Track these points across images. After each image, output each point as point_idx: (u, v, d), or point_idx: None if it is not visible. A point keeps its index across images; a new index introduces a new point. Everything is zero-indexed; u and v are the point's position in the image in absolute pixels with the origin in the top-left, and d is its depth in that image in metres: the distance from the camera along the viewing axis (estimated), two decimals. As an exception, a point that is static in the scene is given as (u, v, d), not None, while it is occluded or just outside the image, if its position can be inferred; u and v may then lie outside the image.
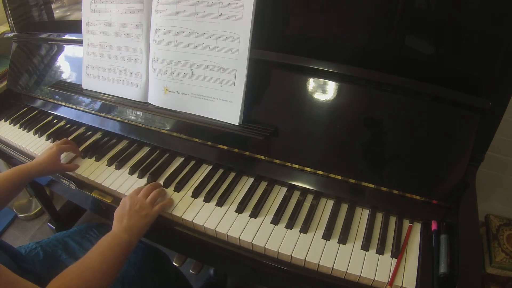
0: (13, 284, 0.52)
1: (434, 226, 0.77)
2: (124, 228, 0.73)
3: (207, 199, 0.86)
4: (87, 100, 1.11)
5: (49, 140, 1.12)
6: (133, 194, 0.82)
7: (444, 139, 0.76)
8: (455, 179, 0.76)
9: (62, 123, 1.20)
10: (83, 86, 1.10)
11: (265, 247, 0.75)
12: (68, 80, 1.16)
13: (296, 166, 0.86)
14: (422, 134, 0.77)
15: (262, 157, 0.88)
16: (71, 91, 1.11)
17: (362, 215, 0.82)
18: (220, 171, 0.94)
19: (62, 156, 0.99)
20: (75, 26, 1.10)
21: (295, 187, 0.88)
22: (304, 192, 0.87)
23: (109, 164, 0.99)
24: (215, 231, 0.79)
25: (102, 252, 0.67)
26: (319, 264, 0.72)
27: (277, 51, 0.83)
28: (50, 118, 1.24)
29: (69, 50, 1.17)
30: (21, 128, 1.20)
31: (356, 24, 0.84)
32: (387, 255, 0.73)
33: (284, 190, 0.88)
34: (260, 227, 0.79)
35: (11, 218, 1.82)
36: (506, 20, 0.70)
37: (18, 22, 1.30)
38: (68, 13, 1.24)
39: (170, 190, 0.89)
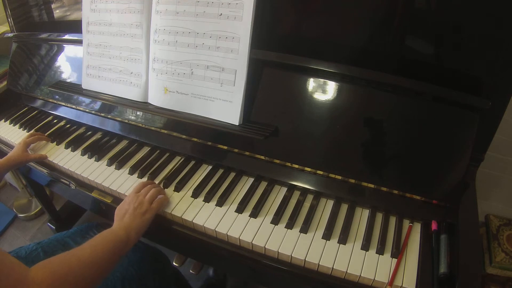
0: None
1: (434, 226, 0.77)
2: (123, 226, 0.74)
3: (207, 199, 0.86)
4: (87, 100, 1.11)
5: (49, 140, 1.12)
6: (133, 193, 0.83)
7: (444, 139, 0.76)
8: (455, 179, 0.76)
9: (62, 123, 1.20)
10: (83, 86, 1.10)
11: (265, 247, 0.75)
12: (68, 80, 1.16)
13: (296, 166, 0.86)
14: (422, 134, 0.77)
15: (262, 157, 0.88)
16: (71, 91, 1.11)
17: (362, 215, 0.82)
18: (220, 171, 0.94)
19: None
20: (75, 26, 1.10)
21: (295, 187, 0.88)
22: (304, 192, 0.87)
23: (109, 164, 0.99)
24: (215, 231, 0.79)
25: (94, 245, 0.66)
26: (319, 264, 0.72)
27: (277, 51, 0.83)
28: (50, 118, 1.24)
29: (69, 50, 1.17)
30: (21, 128, 1.20)
31: (356, 24, 0.84)
32: (387, 255, 0.73)
33: (284, 190, 0.88)
34: (260, 227, 0.79)
35: (11, 218, 1.83)
36: (506, 20, 0.70)
37: (18, 22, 1.30)
38: (68, 13, 1.24)
39: (170, 190, 0.89)
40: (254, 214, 0.81)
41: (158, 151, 1.02)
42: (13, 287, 0.48)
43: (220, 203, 0.84)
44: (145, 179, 0.93)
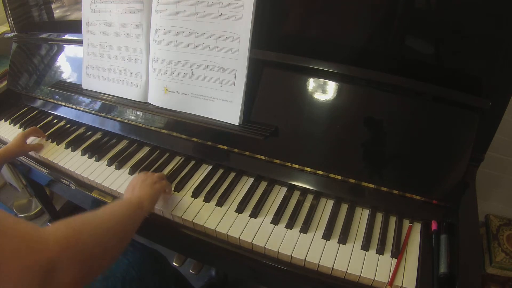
0: (12, 228, 0.45)
1: (434, 226, 0.77)
2: (135, 196, 0.73)
3: (207, 199, 0.86)
4: (87, 100, 1.11)
5: (49, 140, 1.12)
6: (140, 175, 0.82)
7: (444, 139, 0.76)
8: (455, 179, 0.76)
9: (62, 123, 1.20)
10: (83, 86, 1.10)
11: (265, 247, 0.75)
12: (68, 80, 1.16)
13: (296, 166, 0.86)
14: (422, 134, 0.77)
15: (262, 157, 0.88)
16: (71, 91, 1.11)
17: (362, 215, 0.82)
18: (220, 171, 0.94)
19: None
20: (75, 26, 1.10)
21: (295, 187, 0.88)
22: (304, 192, 0.87)
23: (109, 164, 0.98)
24: (215, 231, 0.79)
25: (111, 207, 0.64)
26: (319, 264, 0.72)
27: (277, 51, 0.83)
28: (50, 118, 1.24)
29: (69, 50, 1.17)
30: (21, 128, 1.20)
31: (356, 24, 0.84)
32: (387, 255, 0.73)
33: (284, 190, 0.88)
34: (260, 227, 0.79)
35: (11, 218, 1.82)
36: (506, 20, 0.70)
37: (18, 22, 1.30)
38: (68, 13, 1.24)
39: (170, 190, 0.89)
40: (254, 214, 0.82)
41: (158, 151, 1.02)
42: (31, 248, 0.44)
43: (220, 203, 0.85)
44: (145, 179, 0.93)
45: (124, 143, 1.07)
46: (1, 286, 0.41)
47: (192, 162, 0.98)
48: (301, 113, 0.84)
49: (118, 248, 0.60)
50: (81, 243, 0.50)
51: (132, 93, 1.01)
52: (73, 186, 0.97)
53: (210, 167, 0.96)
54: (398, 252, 0.73)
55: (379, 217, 0.81)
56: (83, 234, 0.51)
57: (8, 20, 1.31)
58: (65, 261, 0.46)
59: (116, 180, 0.94)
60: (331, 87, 0.82)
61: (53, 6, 1.25)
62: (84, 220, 0.55)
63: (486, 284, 1.23)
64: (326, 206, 0.84)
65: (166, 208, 0.84)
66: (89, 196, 0.95)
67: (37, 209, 1.84)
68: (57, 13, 1.26)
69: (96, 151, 1.03)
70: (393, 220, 0.81)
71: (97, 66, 1.06)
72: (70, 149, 1.06)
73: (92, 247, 0.52)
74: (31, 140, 1.11)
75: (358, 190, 0.83)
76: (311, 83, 0.83)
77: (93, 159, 1.01)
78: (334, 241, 0.76)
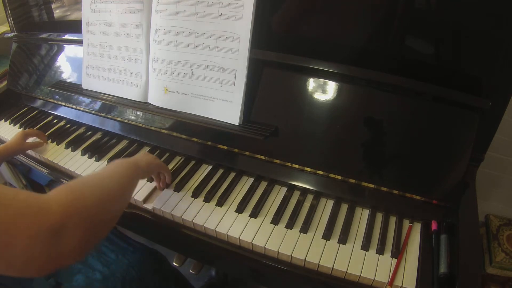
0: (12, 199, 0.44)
1: (434, 226, 0.77)
2: (133, 158, 0.74)
3: (207, 199, 0.86)
4: (87, 100, 1.11)
5: (49, 140, 1.12)
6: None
7: (444, 139, 0.76)
8: (455, 179, 0.76)
9: (62, 123, 1.20)
10: (83, 86, 1.10)
11: (265, 247, 0.75)
12: (68, 80, 1.16)
13: (296, 166, 0.86)
14: (422, 134, 0.77)
15: (262, 157, 0.88)
16: (71, 91, 1.11)
17: (362, 215, 0.82)
18: (220, 171, 0.94)
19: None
20: (75, 26, 1.10)
21: (295, 187, 0.88)
22: (304, 192, 0.87)
23: (109, 164, 0.98)
24: (215, 231, 0.79)
25: (109, 166, 0.64)
26: (319, 264, 0.72)
27: (277, 51, 0.83)
28: (50, 118, 1.24)
29: (69, 50, 1.17)
30: (21, 128, 1.20)
31: (356, 24, 0.84)
32: (387, 255, 0.73)
33: (284, 190, 0.88)
34: (260, 227, 0.79)
35: (11, 218, 1.82)
36: (506, 20, 0.70)
37: (18, 22, 1.30)
38: (68, 13, 1.24)
39: (170, 190, 0.89)
40: (254, 214, 0.82)
41: (158, 151, 1.02)
42: (35, 216, 0.44)
43: (220, 203, 0.84)
44: (144, 179, 0.93)
45: (124, 143, 1.07)
46: (10, 255, 0.42)
47: (192, 162, 0.98)
48: (301, 113, 0.84)
49: (118, 209, 0.59)
50: (84, 206, 0.49)
51: (132, 93, 1.01)
52: (73, 186, 0.97)
53: (210, 167, 0.96)
54: (398, 252, 0.73)
55: (379, 217, 0.81)
56: (86, 196, 0.51)
57: (8, 20, 1.30)
58: (70, 225, 0.46)
59: (116, 180, 0.93)
60: (331, 87, 0.82)
61: (53, 6, 1.25)
62: (85, 182, 0.55)
63: (486, 284, 1.23)
64: (326, 206, 0.84)
65: (167, 208, 0.84)
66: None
67: (37, 209, 1.84)
68: (57, 13, 1.26)
69: (96, 151, 1.03)
70: (393, 220, 0.81)
71: (97, 66, 1.06)
72: (70, 149, 1.06)
73: (95, 209, 0.51)
74: (31, 140, 1.11)
75: (358, 190, 0.83)
76: (311, 83, 0.83)
77: (93, 159, 1.01)
78: (334, 241, 0.76)
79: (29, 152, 1.09)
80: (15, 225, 0.42)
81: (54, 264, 0.45)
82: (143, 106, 0.99)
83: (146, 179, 0.93)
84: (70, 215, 0.46)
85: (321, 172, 0.84)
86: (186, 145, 0.97)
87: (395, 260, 0.72)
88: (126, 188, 0.64)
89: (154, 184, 0.91)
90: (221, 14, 0.84)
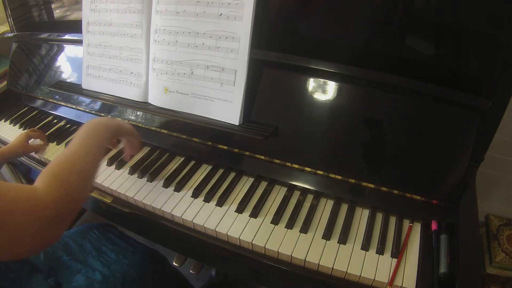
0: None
1: (434, 226, 0.77)
2: (98, 120, 0.75)
3: (207, 199, 0.86)
4: (87, 100, 1.11)
5: (49, 141, 1.12)
6: None
7: (444, 139, 0.76)
8: (455, 179, 0.76)
9: (62, 123, 1.20)
10: (83, 86, 1.10)
11: (265, 247, 0.75)
12: (68, 80, 1.16)
13: (296, 166, 0.86)
14: (422, 134, 0.77)
15: (262, 157, 0.88)
16: (71, 91, 1.11)
17: (362, 215, 0.82)
18: (220, 171, 0.94)
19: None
20: (75, 26, 1.10)
21: (295, 187, 0.88)
22: (304, 192, 0.87)
23: (109, 164, 0.98)
24: (215, 231, 0.79)
25: (78, 136, 0.68)
26: (319, 264, 0.72)
27: (277, 51, 0.83)
28: (50, 118, 1.24)
29: (69, 50, 1.17)
30: (21, 128, 1.20)
31: (356, 24, 0.84)
32: (387, 255, 0.73)
33: (284, 190, 0.88)
34: (260, 227, 0.79)
35: (11, 218, 1.82)
36: (506, 20, 0.70)
37: (18, 22, 1.30)
38: (68, 13, 1.24)
39: (170, 190, 0.89)
40: (254, 214, 0.82)
41: (158, 151, 1.02)
42: (29, 206, 0.51)
43: (220, 203, 0.84)
44: (144, 179, 0.93)
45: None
46: (21, 242, 0.50)
47: (192, 162, 0.98)
48: (301, 113, 0.84)
49: (95, 170, 0.66)
50: (71, 192, 0.57)
51: (132, 93, 1.01)
52: (73, 186, 0.97)
53: (210, 167, 0.96)
54: (398, 252, 0.73)
55: (379, 217, 0.81)
56: (71, 182, 0.57)
57: (8, 20, 1.30)
58: (63, 214, 0.55)
59: (116, 180, 0.94)
60: (331, 87, 0.82)
61: (53, 6, 1.25)
62: (65, 164, 0.60)
63: (486, 284, 1.23)
64: (326, 206, 0.84)
65: (167, 208, 0.84)
66: (89, 196, 0.95)
67: (37, 209, 1.84)
68: (57, 13, 1.26)
69: (96, 151, 1.03)
70: (393, 220, 0.81)
71: (97, 66, 1.06)
72: (70, 149, 1.06)
73: (77, 184, 0.58)
74: (32, 141, 1.11)
75: (358, 190, 0.83)
76: (311, 83, 0.83)
77: (93, 159, 1.01)
78: (334, 241, 0.76)
79: (29, 143, 1.09)
80: (22, 222, 0.49)
81: (47, 244, 0.56)
82: (143, 106, 0.99)
83: (146, 179, 0.93)
84: (62, 205, 0.54)
85: (321, 172, 0.84)
86: (186, 145, 0.97)
87: (395, 260, 0.72)
88: (101, 155, 0.69)
89: (154, 184, 0.91)
90: (221, 14, 0.84)
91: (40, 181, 0.55)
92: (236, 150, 0.91)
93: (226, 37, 0.84)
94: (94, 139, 0.69)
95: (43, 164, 1.06)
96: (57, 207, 0.53)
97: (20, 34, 1.28)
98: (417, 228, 0.79)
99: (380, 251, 0.74)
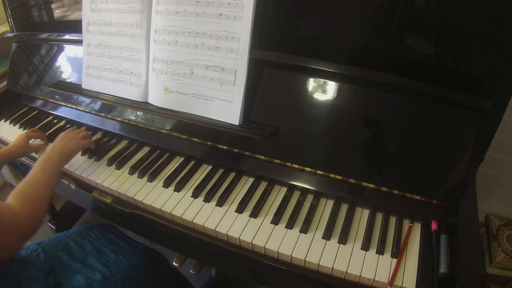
0: None
1: (434, 226, 0.77)
2: (56, 150, 0.89)
3: (207, 199, 0.86)
4: (87, 100, 1.11)
5: (49, 141, 1.12)
6: (65, 132, 0.98)
7: (444, 139, 0.76)
8: (455, 179, 0.76)
9: (62, 123, 1.20)
10: (83, 86, 1.10)
11: (265, 247, 0.75)
12: (68, 80, 1.16)
13: (296, 166, 0.86)
14: (422, 134, 0.77)
15: (262, 157, 0.88)
16: (71, 91, 1.11)
17: (362, 215, 0.82)
18: (220, 171, 0.94)
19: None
20: (75, 26, 1.10)
21: (295, 187, 0.88)
22: (304, 192, 0.87)
23: (109, 164, 0.99)
24: (215, 231, 0.79)
25: (40, 166, 0.82)
26: (319, 264, 0.72)
27: (277, 51, 0.83)
28: (50, 118, 1.24)
29: (69, 50, 1.17)
30: (21, 128, 1.20)
31: (356, 24, 0.84)
32: (387, 255, 0.73)
33: (284, 190, 0.88)
34: (260, 227, 0.79)
35: (11, 218, 1.82)
36: (506, 20, 0.70)
37: (18, 22, 1.30)
38: (68, 13, 1.24)
39: (170, 190, 0.89)
40: (254, 214, 0.82)
41: (158, 151, 1.02)
42: (12, 226, 0.66)
43: (220, 203, 0.85)
44: (144, 179, 0.93)
45: (124, 143, 1.07)
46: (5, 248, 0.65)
47: (192, 162, 0.98)
48: (301, 113, 0.84)
49: (51, 194, 0.81)
50: (35, 205, 0.73)
51: (132, 93, 1.01)
52: (73, 186, 0.97)
53: (210, 167, 0.96)
54: (398, 252, 0.73)
55: (379, 217, 0.81)
56: (35, 198, 0.74)
57: (8, 20, 1.30)
58: (31, 222, 0.71)
59: (116, 180, 0.94)
60: (331, 87, 0.82)
61: (53, 6, 1.25)
62: (32, 186, 0.76)
63: (486, 284, 1.23)
64: (326, 206, 0.84)
65: (167, 208, 0.84)
66: (89, 196, 0.95)
67: (37, 209, 1.84)
68: (57, 13, 1.26)
69: (96, 151, 1.03)
70: (393, 220, 0.81)
71: (97, 66, 1.06)
72: (70, 149, 1.06)
73: (40, 202, 0.75)
74: (32, 141, 1.10)
75: (358, 190, 0.83)
76: (311, 83, 0.83)
77: (93, 159, 1.01)
78: (334, 241, 0.76)
79: (29, 143, 1.09)
80: (8, 235, 0.65)
81: (9, 257, 0.69)
82: (143, 106, 0.99)
83: (146, 179, 0.93)
84: (31, 221, 0.70)
85: (321, 172, 0.84)
86: (186, 145, 0.97)
87: (395, 260, 0.72)
88: (54, 177, 0.84)
89: (154, 184, 0.91)
90: (221, 14, 0.84)
91: (14, 200, 0.70)
92: (236, 150, 0.91)
93: (226, 37, 0.84)
94: (52, 165, 0.84)
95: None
96: (28, 223, 0.69)
97: (20, 34, 1.28)
98: (417, 228, 0.79)
99: (380, 251, 0.74)
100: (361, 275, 0.69)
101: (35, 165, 0.83)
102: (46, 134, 1.14)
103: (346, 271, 0.70)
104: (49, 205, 0.85)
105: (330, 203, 0.85)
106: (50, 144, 0.94)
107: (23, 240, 0.69)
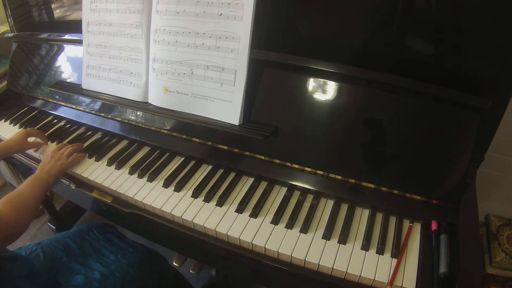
0: None
1: (434, 226, 0.77)
2: (45, 172, 0.92)
3: (207, 199, 0.86)
4: (87, 100, 1.11)
5: (49, 141, 1.12)
6: (55, 150, 0.99)
7: (444, 139, 0.76)
8: (455, 179, 0.76)
9: (62, 123, 1.20)
10: (83, 86, 1.10)
11: (265, 247, 0.75)
12: (68, 80, 1.16)
13: (296, 166, 0.86)
14: (422, 134, 0.77)
15: (262, 157, 0.88)
16: (71, 91, 1.11)
17: (362, 215, 0.82)
18: (220, 171, 0.94)
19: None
20: (75, 26, 1.10)
21: (295, 187, 0.88)
22: (304, 192, 0.87)
23: (109, 164, 0.99)
24: (215, 231, 0.79)
25: (29, 185, 0.87)
26: (319, 264, 0.72)
27: (277, 51, 0.83)
28: (50, 118, 1.24)
29: (69, 50, 1.17)
30: (21, 128, 1.20)
31: (356, 24, 0.84)
32: (387, 255, 0.73)
33: (284, 190, 0.88)
34: (260, 227, 0.79)
35: (11, 218, 1.82)
36: (506, 20, 0.70)
37: (18, 22, 1.30)
38: (68, 13, 1.24)
39: (170, 190, 0.89)
40: (254, 214, 0.82)
41: (158, 151, 1.02)
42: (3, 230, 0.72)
43: (220, 203, 0.85)
44: (144, 179, 0.93)
45: (124, 143, 1.07)
46: None
47: (192, 162, 0.98)
48: (301, 113, 0.84)
49: (36, 208, 0.86)
50: (21, 212, 0.79)
51: (132, 93, 1.01)
52: (73, 186, 0.97)
53: (210, 167, 0.96)
54: (398, 252, 0.73)
55: (379, 217, 0.81)
56: (20, 207, 0.80)
57: (8, 20, 1.30)
58: (15, 227, 0.77)
59: (116, 180, 0.94)
60: (331, 87, 0.82)
61: (53, 6, 1.25)
62: (16, 198, 0.81)
63: (486, 284, 1.23)
64: (326, 206, 0.84)
65: (167, 208, 0.84)
66: (89, 196, 0.95)
67: (37, 209, 1.84)
68: (57, 13, 1.26)
69: (96, 151, 1.03)
70: (393, 220, 0.81)
71: (97, 66, 1.06)
72: (70, 149, 1.06)
73: (25, 211, 0.81)
74: (32, 140, 1.10)
75: (358, 190, 0.83)
76: (311, 83, 0.83)
77: (93, 159, 1.01)
78: (334, 241, 0.76)
79: (29, 152, 1.09)
80: None
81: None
82: (143, 106, 0.99)
83: (146, 179, 0.93)
84: (15, 226, 0.76)
85: (321, 172, 0.84)
86: (186, 145, 0.97)
87: (395, 260, 0.72)
88: (41, 196, 0.89)
89: (154, 184, 0.91)
90: (221, 14, 0.84)
91: (1, 205, 0.76)
92: (236, 150, 0.91)
93: (226, 37, 0.84)
94: (38, 184, 0.89)
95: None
96: (12, 225, 0.75)
97: (20, 34, 1.28)
98: (417, 228, 0.79)
99: (380, 251, 0.74)
100: (361, 275, 0.69)
101: (26, 180, 0.88)
102: (46, 134, 1.14)
103: (346, 271, 0.70)
104: (34, 216, 0.94)
105: (330, 203, 0.85)
106: (40, 164, 0.96)
107: (5, 242, 0.74)
